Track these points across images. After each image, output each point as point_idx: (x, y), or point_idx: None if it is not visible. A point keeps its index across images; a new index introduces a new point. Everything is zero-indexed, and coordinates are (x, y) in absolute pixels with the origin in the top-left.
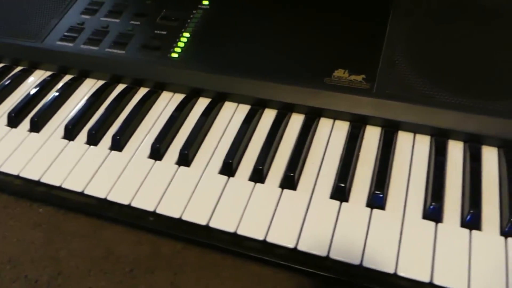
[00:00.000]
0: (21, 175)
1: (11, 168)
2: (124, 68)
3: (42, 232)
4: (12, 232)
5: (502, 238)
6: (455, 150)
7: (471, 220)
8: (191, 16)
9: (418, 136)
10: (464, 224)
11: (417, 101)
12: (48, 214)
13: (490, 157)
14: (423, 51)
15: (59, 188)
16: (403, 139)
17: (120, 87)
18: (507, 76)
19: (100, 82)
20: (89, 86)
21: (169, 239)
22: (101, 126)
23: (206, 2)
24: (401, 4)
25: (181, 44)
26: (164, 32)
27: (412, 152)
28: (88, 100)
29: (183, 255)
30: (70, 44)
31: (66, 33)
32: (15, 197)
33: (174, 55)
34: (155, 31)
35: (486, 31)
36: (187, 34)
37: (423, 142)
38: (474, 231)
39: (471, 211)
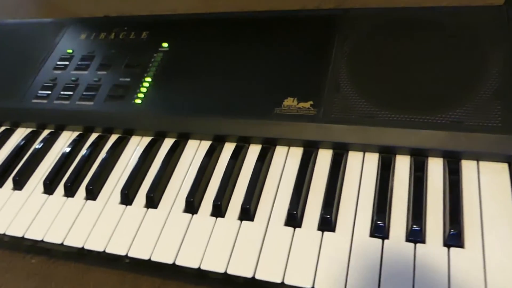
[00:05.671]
0: (7, 232)
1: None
2: (94, 119)
3: (35, 282)
4: (8, 285)
5: (445, 248)
6: (402, 165)
7: (414, 234)
8: (152, 60)
9: (367, 155)
10: (408, 239)
11: (359, 122)
12: (40, 263)
13: (435, 168)
14: (364, 73)
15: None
16: (353, 159)
17: (94, 136)
18: (442, 89)
19: (76, 134)
20: (65, 139)
21: (147, 277)
22: (75, 178)
23: (165, 45)
24: (344, 29)
25: (143, 90)
26: (128, 79)
27: (362, 171)
28: (62, 153)
29: None
30: (45, 101)
31: (40, 91)
32: (9, 251)
33: (138, 101)
34: (120, 79)
35: (421, 47)
36: (149, 79)
37: (372, 160)
38: (418, 245)
39: (414, 226)
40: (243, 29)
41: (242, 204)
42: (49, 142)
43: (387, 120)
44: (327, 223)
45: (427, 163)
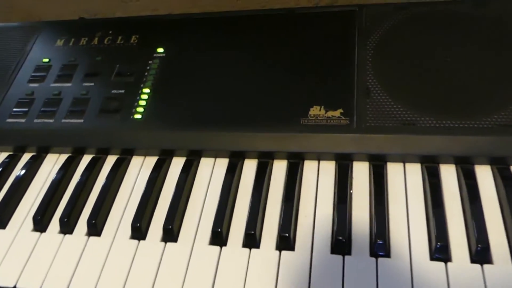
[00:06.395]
0: None
1: None
2: (85, 139)
3: None
4: None
5: None
6: (448, 175)
7: (480, 254)
8: (148, 67)
9: (409, 165)
10: (474, 259)
11: (398, 130)
12: None
13: (484, 176)
14: (394, 75)
15: None
16: (394, 170)
17: (87, 159)
18: (488, 91)
19: (64, 156)
20: (52, 163)
21: None
22: (72, 211)
23: (161, 50)
24: (363, 27)
25: (142, 102)
26: (122, 91)
27: (406, 183)
28: (52, 181)
29: None
30: (22, 120)
31: (15, 109)
32: None
33: (137, 116)
34: (112, 91)
35: (454, 44)
36: (147, 90)
37: (415, 171)
38: (486, 266)
39: (479, 245)
40: (246, 30)
41: (280, 231)
42: (32, 168)
43: (428, 127)
44: (381, 249)
45: (474, 171)
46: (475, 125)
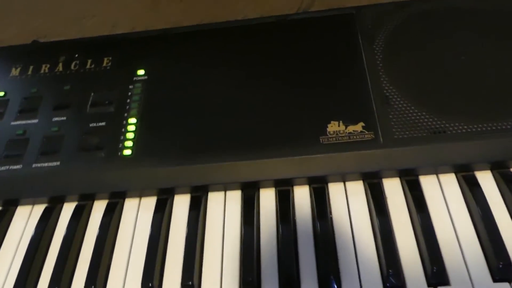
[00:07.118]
0: None
1: None
2: (64, 185)
3: None
4: None
5: None
6: (487, 183)
7: None
8: (129, 93)
9: (442, 177)
10: None
11: (429, 140)
12: None
13: None
14: (411, 78)
15: None
16: (429, 184)
17: (69, 207)
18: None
19: (39, 208)
20: (25, 218)
21: None
22: (62, 275)
23: (141, 72)
24: (365, 30)
25: (130, 135)
26: (102, 123)
27: (445, 198)
28: (30, 240)
29: None
30: None
31: None
32: None
33: (127, 151)
34: (90, 125)
35: (475, 42)
36: (133, 120)
37: (451, 182)
38: None
39: None
40: (235, 42)
41: (322, 273)
42: (1, 226)
43: (460, 133)
44: (440, 277)
45: None
46: (509, 126)
